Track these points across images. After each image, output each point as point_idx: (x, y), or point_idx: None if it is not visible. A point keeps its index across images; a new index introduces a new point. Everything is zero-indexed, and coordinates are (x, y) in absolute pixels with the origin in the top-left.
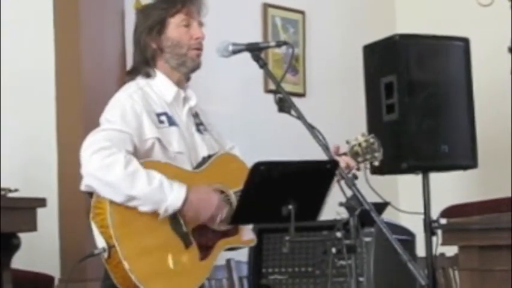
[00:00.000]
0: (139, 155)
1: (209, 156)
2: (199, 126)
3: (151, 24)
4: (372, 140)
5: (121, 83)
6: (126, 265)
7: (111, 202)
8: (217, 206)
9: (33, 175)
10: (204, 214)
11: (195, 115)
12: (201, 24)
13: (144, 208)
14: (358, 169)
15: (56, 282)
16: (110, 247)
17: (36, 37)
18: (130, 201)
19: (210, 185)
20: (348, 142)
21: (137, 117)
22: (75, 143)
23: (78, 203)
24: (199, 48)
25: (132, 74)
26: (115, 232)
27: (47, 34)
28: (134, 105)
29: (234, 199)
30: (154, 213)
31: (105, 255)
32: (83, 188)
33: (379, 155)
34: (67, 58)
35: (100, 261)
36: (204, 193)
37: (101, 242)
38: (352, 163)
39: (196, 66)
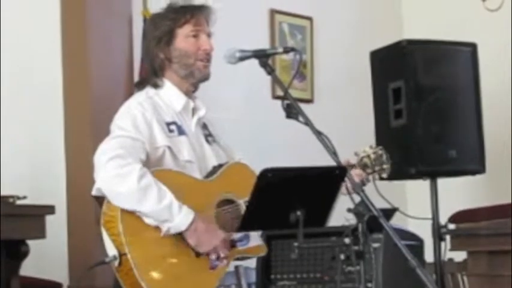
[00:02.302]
0: (151, 163)
1: (220, 166)
2: (208, 137)
3: (160, 34)
4: (380, 152)
5: (129, 90)
6: (137, 273)
7: (123, 209)
8: (220, 242)
9: (41, 183)
10: (206, 246)
11: (204, 126)
12: (209, 35)
13: (148, 220)
14: (367, 180)
15: None
16: (121, 255)
17: (44, 45)
18: (136, 212)
19: (221, 194)
20: (356, 154)
21: (148, 125)
22: (84, 150)
23: (86, 211)
24: (207, 60)
25: (140, 84)
26: (126, 240)
27: (55, 42)
28: (145, 113)
29: (244, 209)
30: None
31: (116, 263)
32: (94, 192)
33: (387, 167)
34: (75, 66)
35: (109, 269)
36: (211, 226)
37: (111, 249)
38: (363, 175)
39: (204, 77)
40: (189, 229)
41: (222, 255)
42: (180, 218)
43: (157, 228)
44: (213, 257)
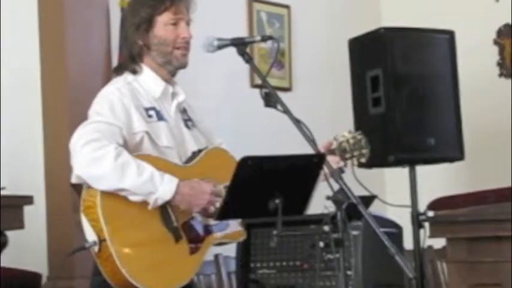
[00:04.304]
0: (129, 149)
1: (199, 151)
2: (188, 121)
3: (138, 21)
4: (359, 137)
5: (106, 79)
6: (116, 259)
7: (102, 195)
8: (211, 194)
9: (19, 173)
10: (198, 203)
11: (183, 111)
12: (189, 22)
13: (133, 198)
14: (345, 166)
15: (44, 279)
16: (101, 241)
17: (21, 34)
18: (120, 192)
19: (201, 179)
20: (335, 139)
21: (126, 111)
22: (62, 140)
23: (65, 200)
24: (186, 48)
25: (118, 70)
26: (106, 226)
27: (32, 32)
28: (123, 98)
29: (223, 193)
30: (145, 207)
31: (96, 248)
32: (73, 180)
33: (366, 151)
34: (52, 55)
35: (88, 258)
36: (196, 184)
37: (91, 236)
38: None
39: (181, 65)
40: (176, 195)
41: (217, 204)
42: (164, 186)
43: (138, 212)
44: (212, 209)
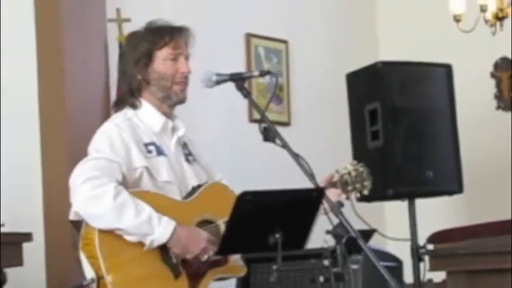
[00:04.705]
0: (128, 184)
1: (199, 186)
2: (189, 156)
3: (138, 56)
4: (361, 169)
5: (105, 115)
6: None
7: (100, 232)
8: (206, 242)
9: (18, 209)
10: (192, 250)
11: (184, 145)
12: (187, 57)
13: (129, 238)
14: (347, 198)
15: None
16: (99, 278)
17: (20, 72)
18: (117, 231)
19: (201, 215)
20: (337, 171)
21: (125, 146)
22: (61, 175)
23: (64, 237)
24: (185, 83)
25: (118, 105)
26: (104, 263)
27: (31, 67)
28: (122, 134)
29: (223, 229)
30: (143, 244)
31: (94, 286)
32: (71, 216)
33: (368, 183)
34: (51, 92)
35: None
36: (194, 230)
37: (89, 273)
38: (342, 196)
39: (180, 101)
40: (171, 239)
41: (211, 253)
42: (161, 229)
43: (136, 249)
44: (205, 257)
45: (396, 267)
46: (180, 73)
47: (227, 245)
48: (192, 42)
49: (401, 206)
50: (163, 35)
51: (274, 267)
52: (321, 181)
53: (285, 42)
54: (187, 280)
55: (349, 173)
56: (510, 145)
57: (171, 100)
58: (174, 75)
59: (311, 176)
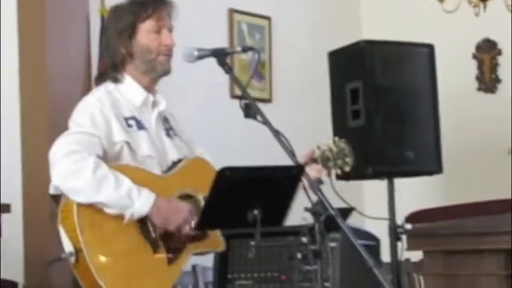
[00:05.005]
0: (108, 159)
1: (179, 161)
2: (169, 130)
3: (121, 28)
4: (342, 146)
5: (86, 88)
6: (93, 270)
7: (79, 205)
8: (188, 213)
9: None
10: (174, 221)
11: (165, 120)
12: (171, 29)
13: (109, 211)
14: (328, 174)
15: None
16: (78, 251)
17: (1, 44)
18: (97, 205)
19: (181, 189)
20: (318, 147)
21: (106, 121)
22: (40, 148)
23: (42, 209)
24: (169, 55)
25: (100, 79)
26: (82, 236)
27: (11, 39)
28: (103, 108)
29: (203, 203)
30: (122, 217)
31: (73, 259)
32: (51, 190)
33: (350, 160)
34: (32, 64)
35: (65, 267)
36: (174, 201)
37: (68, 246)
38: (323, 172)
39: (165, 71)
40: (152, 210)
41: (193, 224)
42: (141, 201)
43: (115, 222)
44: (186, 228)
45: (374, 246)
46: (164, 45)
47: (206, 220)
48: (175, 15)
49: (380, 185)
50: (146, 7)
51: (252, 243)
52: (302, 156)
53: (268, 18)
54: (165, 253)
55: (330, 149)
56: (490, 127)
57: (155, 72)
58: (158, 47)
59: (291, 153)
